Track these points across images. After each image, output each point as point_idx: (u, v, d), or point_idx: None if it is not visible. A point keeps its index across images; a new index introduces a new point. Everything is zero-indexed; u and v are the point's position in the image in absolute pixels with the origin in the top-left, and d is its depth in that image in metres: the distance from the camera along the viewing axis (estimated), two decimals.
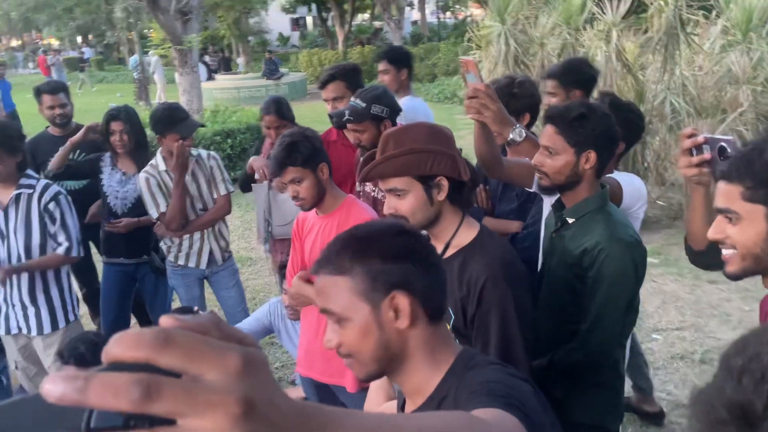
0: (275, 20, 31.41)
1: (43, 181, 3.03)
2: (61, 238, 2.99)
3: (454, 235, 1.76)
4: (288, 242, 3.63)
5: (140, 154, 3.76)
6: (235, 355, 0.39)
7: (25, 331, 3.04)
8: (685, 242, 1.87)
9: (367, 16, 33.88)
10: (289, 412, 0.41)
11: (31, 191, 2.95)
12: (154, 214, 3.39)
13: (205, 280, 3.71)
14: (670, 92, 5.73)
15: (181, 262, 3.54)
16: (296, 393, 3.08)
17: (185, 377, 0.37)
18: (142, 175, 3.39)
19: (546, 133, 1.93)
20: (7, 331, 3.05)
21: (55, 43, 36.12)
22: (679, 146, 1.71)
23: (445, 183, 1.72)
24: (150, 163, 3.46)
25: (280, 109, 3.46)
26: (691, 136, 1.66)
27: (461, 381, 1.10)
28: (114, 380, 0.36)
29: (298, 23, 38.07)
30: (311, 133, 2.38)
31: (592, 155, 1.89)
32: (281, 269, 3.08)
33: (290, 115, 3.51)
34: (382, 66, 3.71)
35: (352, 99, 2.81)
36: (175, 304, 4.24)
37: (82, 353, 2.63)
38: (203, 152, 3.59)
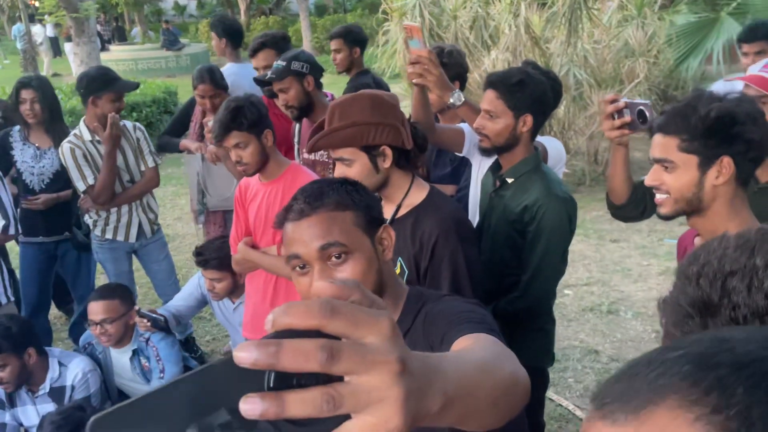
0: None
1: None
2: None
3: (406, 196, 1.86)
4: (221, 214, 3.62)
5: (55, 127, 3.59)
6: (386, 321, 0.44)
7: None
8: (607, 198, 2.08)
9: None
10: (420, 364, 0.47)
11: None
12: (81, 186, 3.26)
13: (133, 255, 3.63)
14: (573, 64, 6.08)
15: (108, 236, 3.44)
16: None
17: (350, 341, 0.43)
18: (66, 146, 3.24)
19: (487, 98, 2.06)
20: None
21: None
22: (602, 111, 1.90)
23: (389, 152, 1.81)
24: (73, 133, 3.31)
25: (213, 78, 3.40)
26: (613, 101, 1.85)
27: (422, 315, 1.21)
28: (303, 346, 0.41)
29: None
30: (256, 99, 2.39)
31: (529, 119, 2.04)
32: (196, 256, 3.05)
33: (224, 84, 3.46)
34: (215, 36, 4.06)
35: (275, 62, 2.87)
36: (100, 279, 4.11)
37: None
38: (128, 123, 3.48)
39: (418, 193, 1.88)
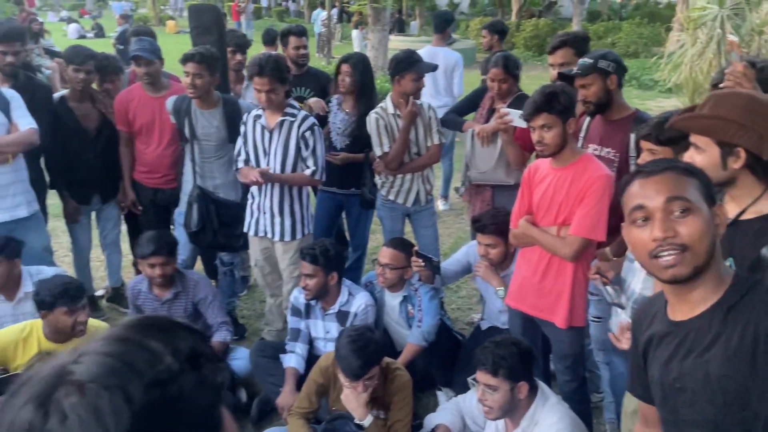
0: None
1: (303, 113, 3.47)
2: (311, 162, 3.44)
3: (754, 203, 1.81)
4: (489, 191, 3.89)
5: (362, 98, 4.18)
6: None
7: (269, 235, 3.57)
8: None
9: None
10: None
11: (293, 119, 3.41)
12: (378, 152, 3.78)
13: (407, 218, 4.10)
14: None
15: (391, 197, 3.94)
16: None
17: None
18: (373, 115, 3.78)
19: None
20: (255, 233, 3.61)
21: None
22: None
23: (742, 154, 1.77)
24: (380, 105, 3.84)
25: (507, 64, 3.69)
26: None
27: (750, 295, 1.32)
28: None
29: None
30: (570, 89, 2.59)
31: None
32: (474, 222, 3.35)
33: (516, 73, 3.73)
34: None
35: (580, 60, 3.01)
36: (375, 237, 4.69)
37: (314, 253, 3.16)
38: (424, 103, 3.94)
39: None
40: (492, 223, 3.16)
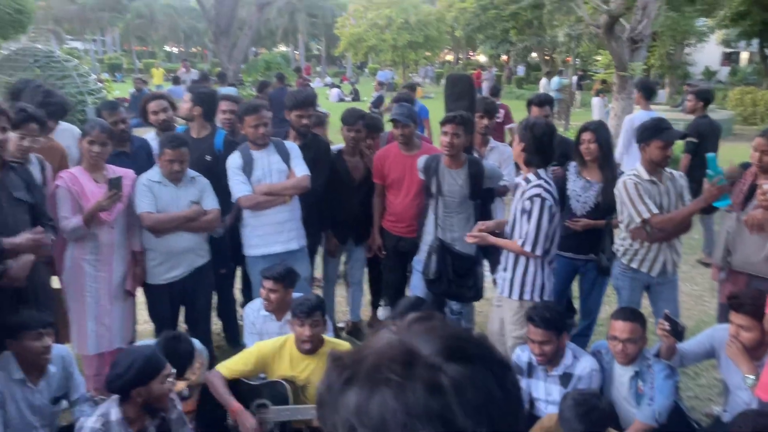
0: (704, 53, 29.35)
1: (537, 181, 3.44)
2: (522, 232, 3.40)
3: None
4: (744, 278, 3.59)
5: (605, 165, 4.17)
6: None
7: (498, 289, 3.69)
8: None
9: None
10: None
11: (526, 185, 3.45)
12: (645, 214, 3.63)
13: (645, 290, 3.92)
14: None
15: (634, 265, 3.81)
16: None
17: None
18: (630, 181, 3.70)
19: None
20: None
21: (483, 59, 40.65)
22: None
23: None
24: (632, 172, 3.78)
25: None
26: None
27: None
28: None
29: (730, 58, 34.85)
30: None
31: None
32: (730, 299, 3.10)
33: None
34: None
35: None
36: (603, 308, 4.56)
37: (548, 318, 3.18)
38: (675, 172, 3.81)
39: None
40: (751, 303, 2.90)
